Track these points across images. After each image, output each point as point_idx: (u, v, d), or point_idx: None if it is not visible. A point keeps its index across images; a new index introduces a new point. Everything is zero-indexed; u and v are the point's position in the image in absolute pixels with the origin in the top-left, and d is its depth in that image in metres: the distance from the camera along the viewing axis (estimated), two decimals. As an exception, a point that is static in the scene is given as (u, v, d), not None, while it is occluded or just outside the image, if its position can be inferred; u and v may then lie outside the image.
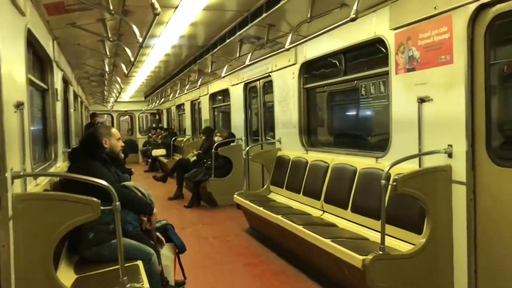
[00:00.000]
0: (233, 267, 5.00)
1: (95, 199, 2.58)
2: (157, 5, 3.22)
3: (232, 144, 8.73)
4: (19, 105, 2.82)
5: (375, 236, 3.97)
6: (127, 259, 3.00)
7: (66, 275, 3.16)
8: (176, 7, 4.62)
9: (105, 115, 19.27)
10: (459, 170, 3.40)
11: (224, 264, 5.11)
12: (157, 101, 16.04)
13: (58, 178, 4.16)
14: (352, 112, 5.93)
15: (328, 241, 3.85)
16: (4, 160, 2.41)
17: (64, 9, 4.26)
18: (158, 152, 14.22)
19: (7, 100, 2.53)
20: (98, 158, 3.71)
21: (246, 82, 8.45)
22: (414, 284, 3.43)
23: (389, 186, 3.48)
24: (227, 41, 5.89)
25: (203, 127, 11.40)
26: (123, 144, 4.10)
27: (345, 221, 4.65)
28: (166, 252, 4.01)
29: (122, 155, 4.17)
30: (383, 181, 3.31)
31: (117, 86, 11.61)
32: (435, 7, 3.49)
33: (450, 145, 3.47)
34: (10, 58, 2.79)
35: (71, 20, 4.71)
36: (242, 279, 4.69)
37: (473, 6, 3.18)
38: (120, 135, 4.13)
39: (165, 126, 18.34)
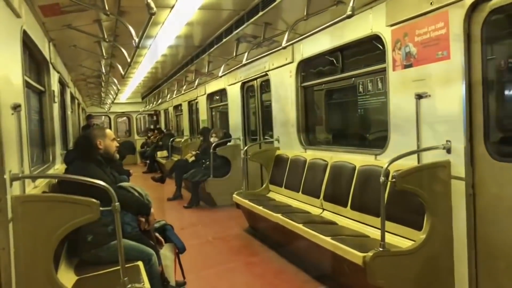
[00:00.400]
0: (233, 267, 5.00)
1: (94, 200, 2.57)
2: (152, 5, 3.21)
3: (229, 144, 8.73)
4: (16, 107, 2.81)
5: (375, 233, 3.97)
6: (127, 260, 2.99)
7: (66, 276, 3.15)
8: (172, 7, 4.62)
9: (103, 117, 19.24)
10: (458, 166, 3.40)
11: (225, 264, 5.11)
12: (155, 102, 16.02)
13: (56, 180, 4.14)
14: (350, 110, 5.93)
15: (328, 239, 3.84)
16: (3, 163, 2.40)
17: (60, 11, 4.24)
18: (162, 153, 14.18)
19: (4, 102, 2.52)
20: (93, 160, 3.68)
21: (243, 81, 8.45)
22: (415, 280, 3.43)
23: (388, 183, 3.48)
24: (224, 40, 5.89)
25: (200, 127, 11.40)
26: (117, 145, 4.07)
27: (345, 218, 4.65)
28: (166, 252, 4.00)
29: (117, 156, 4.14)
30: (382, 178, 3.31)
31: (114, 87, 11.60)
32: (431, 3, 3.49)
33: (448, 141, 3.47)
34: (6, 60, 2.78)
35: (67, 22, 4.70)
36: (243, 278, 4.68)
37: (469, 1, 3.18)
38: (114, 135, 4.10)
39: (163, 127, 18.31)
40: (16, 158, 2.82)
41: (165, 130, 16.60)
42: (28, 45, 3.97)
